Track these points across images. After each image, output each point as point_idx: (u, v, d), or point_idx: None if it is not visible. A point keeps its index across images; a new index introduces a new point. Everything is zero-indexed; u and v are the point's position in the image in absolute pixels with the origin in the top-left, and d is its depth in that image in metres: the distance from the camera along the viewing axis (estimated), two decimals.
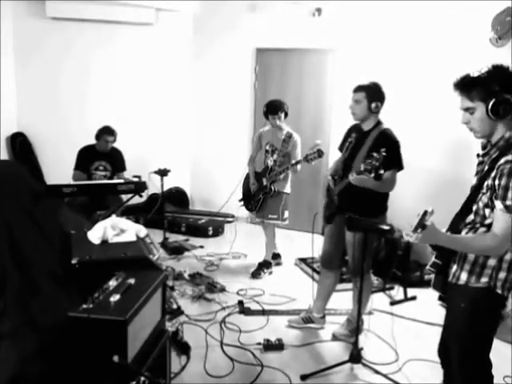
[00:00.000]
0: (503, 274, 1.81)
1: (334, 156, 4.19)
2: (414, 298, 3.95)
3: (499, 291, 1.83)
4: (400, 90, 4.80)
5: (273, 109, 4.23)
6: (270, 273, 4.54)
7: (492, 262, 1.82)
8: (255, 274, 4.40)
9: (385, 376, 2.77)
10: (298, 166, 4.13)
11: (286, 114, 4.29)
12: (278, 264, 4.69)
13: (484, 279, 1.83)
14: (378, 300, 3.68)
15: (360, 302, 2.88)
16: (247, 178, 4.64)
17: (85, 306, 1.72)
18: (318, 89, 5.62)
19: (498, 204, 1.71)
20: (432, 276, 2.04)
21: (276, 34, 5.65)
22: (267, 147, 4.41)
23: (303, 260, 4.65)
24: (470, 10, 4.19)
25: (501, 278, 1.81)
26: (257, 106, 5.93)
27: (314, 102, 5.66)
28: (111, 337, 1.66)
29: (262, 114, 4.36)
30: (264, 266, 4.48)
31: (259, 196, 4.40)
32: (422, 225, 1.73)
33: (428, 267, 1.99)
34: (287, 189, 4.42)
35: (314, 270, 4.39)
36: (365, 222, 2.80)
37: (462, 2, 4.20)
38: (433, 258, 1.97)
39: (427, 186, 4.59)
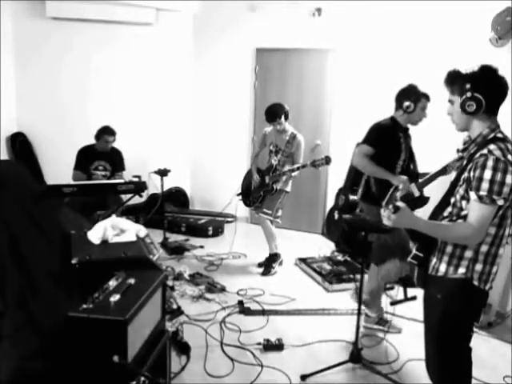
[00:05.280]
0: (480, 266, 1.86)
1: (334, 156, 4.19)
2: (414, 298, 3.93)
3: (476, 283, 1.87)
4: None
5: (270, 116, 4.26)
6: (281, 263, 4.57)
7: (469, 253, 1.87)
8: (266, 271, 4.42)
9: (385, 376, 2.77)
10: (296, 172, 4.19)
11: (286, 117, 4.29)
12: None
13: (461, 270, 1.88)
14: None
15: (360, 301, 2.88)
16: (248, 173, 4.67)
17: (85, 305, 1.72)
18: (318, 89, 5.62)
19: (473, 195, 1.78)
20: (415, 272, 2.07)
21: (276, 34, 5.66)
22: (271, 147, 4.43)
23: (303, 260, 4.65)
24: (470, 10, 4.19)
25: (477, 269, 1.86)
26: (257, 106, 5.93)
27: (314, 102, 5.66)
28: (111, 337, 1.66)
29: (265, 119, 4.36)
30: (272, 260, 4.50)
31: (260, 193, 4.41)
32: (393, 201, 1.78)
33: (409, 259, 2.03)
34: (288, 187, 4.43)
35: (314, 270, 4.39)
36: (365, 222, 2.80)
37: (462, 2, 4.20)
38: (414, 250, 2.01)
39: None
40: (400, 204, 1.83)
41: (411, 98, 3.15)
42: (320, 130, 5.66)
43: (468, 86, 1.81)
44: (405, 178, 3.00)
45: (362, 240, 2.94)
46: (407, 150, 3.23)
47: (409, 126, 3.27)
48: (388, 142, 3.17)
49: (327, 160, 3.98)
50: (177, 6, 5.92)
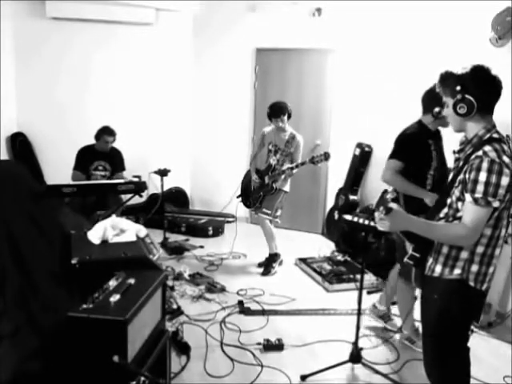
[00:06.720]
0: (475, 267, 1.86)
1: (334, 156, 4.19)
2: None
3: (472, 284, 1.86)
4: (400, 90, 4.81)
5: (276, 112, 4.25)
6: (281, 263, 4.58)
7: (464, 254, 1.86)
8: (266, 271, 4.42)
9: (385, 376, 2.77)
10: (295, 169, 4.18)
11: (289, 116, 4.30)
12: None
13: (457, 271, 1.87)
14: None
15: (360, 301, 2.87)
16: (247, 174, 4.67)
17: (85, 305, 1.72)
18: (318, 89, 5.62)
19: (468, 197, 1.77)
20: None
21: (276, 34, 5.66)
22: (270, 147, 4.43)
23: (303, 260, 4.65)
24: (470, 11, 4.18)
25: (473, 270, 1.86)
26: (257, 106, 5.93)
27: (314, 102, 5.66)
28: (111, 337, 1.66)
29: (266, 115, 4.36)
30: (272, 260, 4.50)
31: (259, 193, 4.41)
32: (383, 203, 1.76)
33: (406, 260, 2.02)
34: (287, 187, 4.43)
35: (314, 270, 4.39)
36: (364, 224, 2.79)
37: (462, 2, 4.20)
38: (410, 251, 1.99)
39: None
40: (392, 205, 1.80)
41: (441, 102, 2.97)
42: (320, 130, 5.65)
43: (458, 87, 1.79)
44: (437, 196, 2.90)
45: (361, 240, 2.94)
46: (438, 157, 3.00)
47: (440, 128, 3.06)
48: (417, 154, 2.95)
49: (326, 156, 3.97)
50: (177, 5, 5.92)
